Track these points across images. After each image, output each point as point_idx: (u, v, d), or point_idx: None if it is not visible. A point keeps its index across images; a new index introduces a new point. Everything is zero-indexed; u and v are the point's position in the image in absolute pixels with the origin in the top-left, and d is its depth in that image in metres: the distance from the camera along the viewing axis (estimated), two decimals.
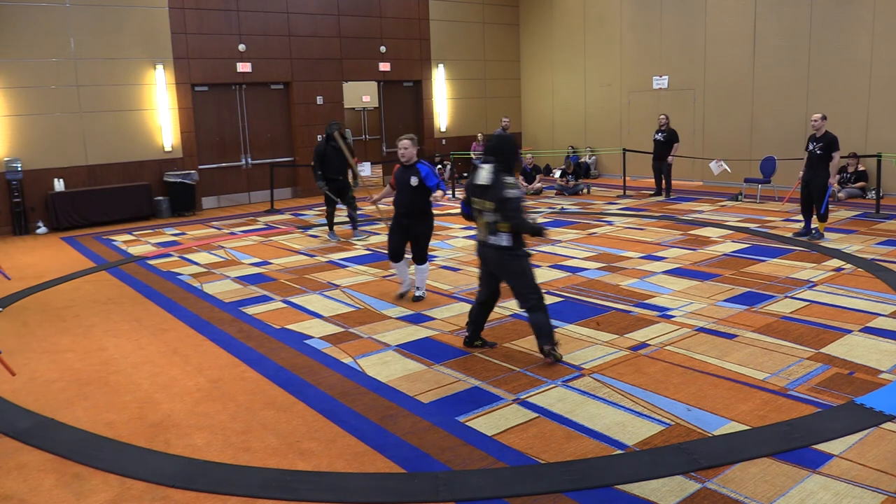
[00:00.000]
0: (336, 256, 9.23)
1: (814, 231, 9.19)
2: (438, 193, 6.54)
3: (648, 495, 3.39)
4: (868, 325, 5.72)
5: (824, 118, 9.11)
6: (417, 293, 6.94)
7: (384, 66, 16.69)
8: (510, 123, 13.21)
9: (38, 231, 12.42)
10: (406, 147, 6.48)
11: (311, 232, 11.20)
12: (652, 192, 13.94)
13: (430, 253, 9.46)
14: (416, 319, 6.34)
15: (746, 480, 3.48)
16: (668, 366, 5.02)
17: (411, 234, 6.68)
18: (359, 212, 11.05)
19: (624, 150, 14.69)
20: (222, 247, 10.30)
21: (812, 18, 13.17)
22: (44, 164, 12.49)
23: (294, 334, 6.09)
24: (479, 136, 18.08)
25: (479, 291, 5.40)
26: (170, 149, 13.78)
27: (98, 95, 12.94)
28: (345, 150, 7.28)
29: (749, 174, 13.59)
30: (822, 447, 3.78)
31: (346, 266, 8.65)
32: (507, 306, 6.60)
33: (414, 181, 6.45)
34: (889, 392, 4.43)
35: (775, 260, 8.08)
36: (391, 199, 6.85)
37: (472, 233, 10.51)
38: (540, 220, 11.48)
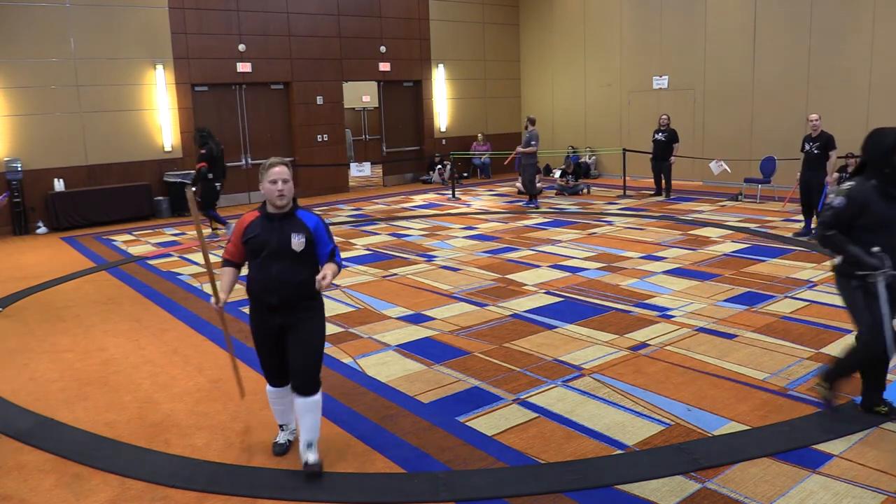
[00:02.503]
0: None
1: (814, 231, 9.19)
2: (327, 274, 3.53)
3: (648, 495, 3.39)
4: None
5: (820, 118, 9.14)
6: (309, 458, 3.66)
7: (384, 66, 16.69)
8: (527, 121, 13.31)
9: (38, 231, 12.41)
10: (285, 179, 3.58)
11: None
12: (652, 193, 13.94)
13: (429, 253, 9.50)
14: (416, 319, 6.34)
15: (746, 480, 3.48)
16: (668, 366, 5.02)
17: (290, 340, 3.68)
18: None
19: (624, 150, 14.69)
20: (222, 247, 10.30)
21: (812, 18, 13.17)
22: (44, 164, 12.48)
23: None
24: (480, 136, 18.09)
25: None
26: (170, 149, 13.78)
27: (98, 95, 12.93)
28: (192, 206, 4.09)
29: (749, 174, 13.58)
30: (822, 447, 3.78)
31: (346, 266, 8.65)
32: (508, 306, 6.60)
33: (298, 242, 3.59)
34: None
35: (775, 260, 8.08)
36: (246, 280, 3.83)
37: (472, 233, 10.53)
38: (540, 220, 11.49)
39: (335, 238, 4.38)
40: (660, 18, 15.67)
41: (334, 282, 7.89)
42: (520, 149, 13.10)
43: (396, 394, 4.72)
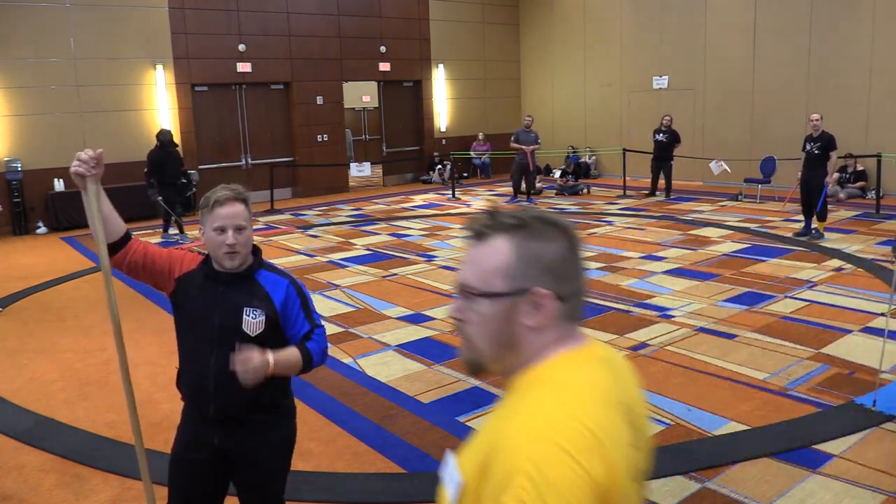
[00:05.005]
0: (336, 256, 9.23)
1: (814, 231, 9.19)
2: (261, 361, 2.19)
3: (648, 495, 3.38)
4: (868, 325, 5.72)
5: (821, 118, 9.15)
6: None
7: (384, 66, 16.69)
8: (531, 120, 13.99)
9: (38, 231, 12.41)
10: (239, 226, 2.32)
11: (311, 232, 11.19)
12: (647, 193, 13.91)
13: (429, 253, 9.50)
14: (416, 319, 6.34)
15: (746, 480, 3.48)
16: (668, 366, 5.02)
17: (238, 478, 2.50)
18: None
19: (624, 150, 14.69)
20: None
21: (812, 18, 13.17)
22: (44, 164, 12.48)
23: None
24: (480, 135, 18.09)
25: None
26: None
27: (98, 95, 12.93)
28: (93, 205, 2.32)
29: (749, 174, 13.58)
30: (822, 447, 3.78)
31: (346, 266, 8.65)
32: None
33: (253, 321, 2.33)
34: (889, 392, 4.43)
35: (775, 260, 8.08)
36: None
37: None
38: None
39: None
40: (660, 18, 15.66)
41: (333, 281, 7.96)
42: (529, 148, 13.37)
43: (396, 394, 4.72)
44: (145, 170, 10.72)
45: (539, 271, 1.15)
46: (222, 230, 2.30)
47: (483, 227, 1.19)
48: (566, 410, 1.07)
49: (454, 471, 1.15)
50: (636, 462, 1.15)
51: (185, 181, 10.59)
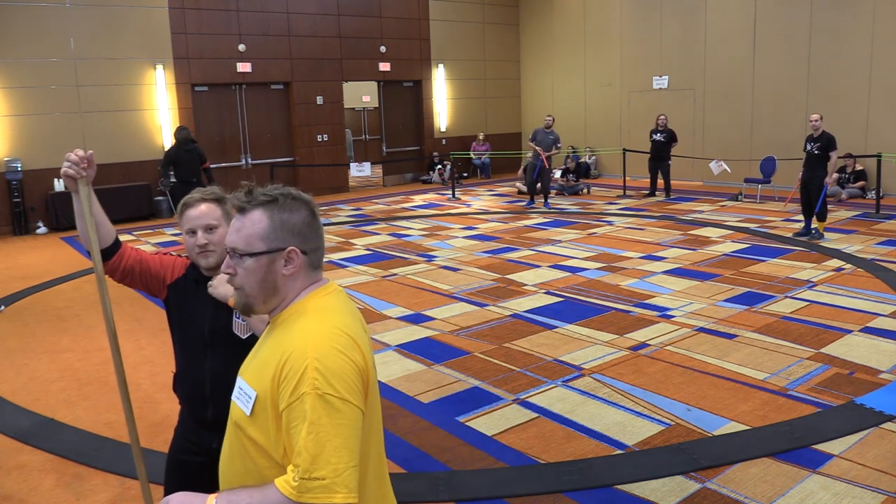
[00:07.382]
0: (336, 256, 9.23)
1: (814, 231, 9.20)
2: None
3: (648, 495, 3.39)
4: (868, 325, 5.72)
5: (821, 118, 9.16)
6: None
7: (384, 66, 16.69)
8: (552, 121, 13.51)
9: (38, 231, 12.42)
10: (210, 225, 2.32)
11: None
12: (646, 193, 13.92)
13: (429, 253, 9.50)
14: (416, 319, 6.34)
15: (746, 480, 3.48)
16: (668, 366, 5.02)
17: None
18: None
19: (624, 150, 14.69)
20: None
21: (812, 19, 13.17)
22: (44, 164, 12.48)
23: None
24: (480, 135, 18.09)
25: None
26: (170, 149, 13.77)
27: (98, 95, 12.93)
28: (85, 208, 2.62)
29: (749, 174, 13.58)
30: (822, 447, 3.78)
31: (346, 266, 8.65)
32: (508, 306, 6.60)
33: (243, 324, 2.30)
34: (889, 392, 4.43)
35: (775, 260, 8.08)
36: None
37: (472, 233, 10.53)
38: (540, 220, 11.49)
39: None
40: (660, 18, 15.67)
41: (333, 281, 7.93)
42: (547, 153, 12.90)
43: (396, 394, 4.72)
44: (159, 167, 10.98)
45: (289, 234, 1.56)
46: (193, 232, 2.33)
47: (244, 203, 1.56)
48: (330, 324, 1.53)
49: (247, 388, 1.54)
50: (371, 353, 1.62)
51: (195, 180, 10.46)
